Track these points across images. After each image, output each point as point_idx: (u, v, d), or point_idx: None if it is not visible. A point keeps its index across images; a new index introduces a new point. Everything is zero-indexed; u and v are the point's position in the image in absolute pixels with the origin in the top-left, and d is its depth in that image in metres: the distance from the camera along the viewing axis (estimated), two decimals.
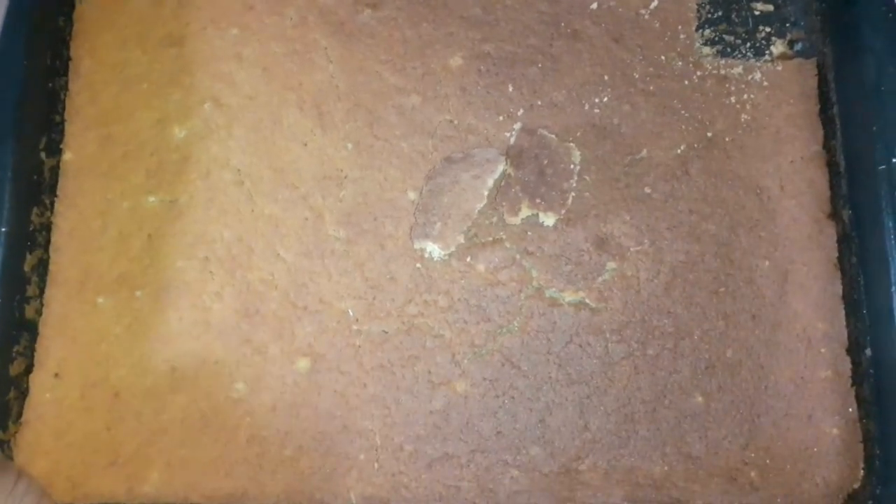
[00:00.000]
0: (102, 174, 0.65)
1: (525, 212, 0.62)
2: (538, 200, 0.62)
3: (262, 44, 0.67)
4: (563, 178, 0.62)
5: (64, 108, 0.66)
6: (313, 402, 0.60)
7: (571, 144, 0.63)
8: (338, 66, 0.66)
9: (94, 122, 0.66)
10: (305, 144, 0.65)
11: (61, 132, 0.65)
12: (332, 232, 0.63)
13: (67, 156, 0.65)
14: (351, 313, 0.62)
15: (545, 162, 0.62)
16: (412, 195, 0.64)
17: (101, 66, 0.67)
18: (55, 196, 0.64)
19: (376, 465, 0.59)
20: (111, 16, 0.68)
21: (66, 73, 0.67)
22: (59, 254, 0.63)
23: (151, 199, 0.64)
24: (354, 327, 0.62)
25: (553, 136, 0.63)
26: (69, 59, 0.67)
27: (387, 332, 0.61)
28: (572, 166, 0.62)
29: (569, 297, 0.61)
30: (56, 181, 0.64)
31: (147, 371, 0.61)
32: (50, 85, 0.65)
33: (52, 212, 0.64)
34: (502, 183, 0.63)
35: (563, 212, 0.62)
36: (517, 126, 0.64)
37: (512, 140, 0.64)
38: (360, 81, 0.66)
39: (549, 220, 0.62)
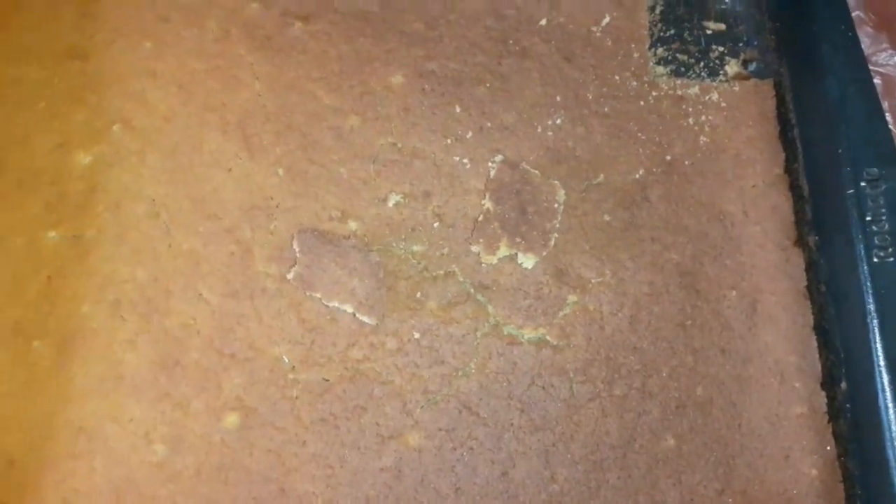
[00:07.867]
0: None
1: (504, 251, 0.57)
2: (518, 239, 0.57)
3: (178, 59, 0.60)
4: (544, 216, 0.58)
5: None
6: (244, 463, 0.53)
7: (556, 183, 0.59)
8: (265, 85, 0.60)
9: None
10: (230, 171, 0.58)
11: None
12: (263, 268, 0.57)
13: None
14: (286, 360, 0.55)
15: (527, 198, 0.58)
16: (353, 225, 0.57)
17: None
18: None
19: None
20: (1, 25, 0.60)
21: None
22: None
23: (51, 234, 0.56)
24: (290, 376, 0.55)
25: (536, 171, 0.59)
26: None
27: (328, 381, 0.55)
28: (555, 205, 0.58)
29: (528, 334, 0.56)
30: None
31: (48, 435, 0.53)
32: None
33: None
34: (480, 217, 0.58)
35: (543, 253, 0.57)
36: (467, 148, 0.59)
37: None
38: (290, 101, 0.60)
39: (528, 261, 0.57)
